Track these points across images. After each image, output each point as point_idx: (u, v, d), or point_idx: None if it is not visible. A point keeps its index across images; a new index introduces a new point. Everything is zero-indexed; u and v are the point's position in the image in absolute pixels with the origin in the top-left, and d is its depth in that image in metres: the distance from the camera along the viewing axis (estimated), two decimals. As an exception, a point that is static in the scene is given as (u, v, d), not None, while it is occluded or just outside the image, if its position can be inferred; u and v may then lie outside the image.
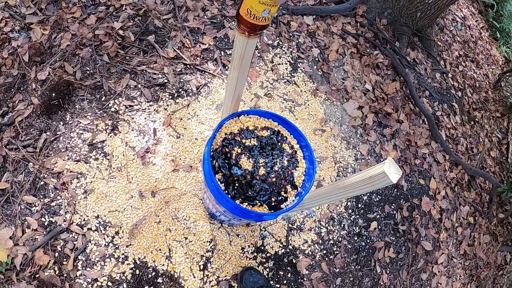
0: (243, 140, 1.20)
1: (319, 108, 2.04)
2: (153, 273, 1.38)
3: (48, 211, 1.39)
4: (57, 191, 1.41)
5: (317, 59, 2.20)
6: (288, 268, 1.57)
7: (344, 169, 1.95)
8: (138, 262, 1.38)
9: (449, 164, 2.34)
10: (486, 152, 2.70)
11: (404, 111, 2.31)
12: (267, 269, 1.52)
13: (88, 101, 1.60)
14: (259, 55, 2.05)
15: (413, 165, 2.18)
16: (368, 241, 1.83)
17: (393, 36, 2.57)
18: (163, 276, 1.38)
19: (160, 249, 1.40)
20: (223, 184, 1.11)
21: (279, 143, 1.23)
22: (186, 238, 1.45)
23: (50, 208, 1.39)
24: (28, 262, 1.31)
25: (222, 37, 2.01)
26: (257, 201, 1.12)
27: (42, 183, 1.41)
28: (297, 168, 1.20)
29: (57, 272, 1.30)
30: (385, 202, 1.97)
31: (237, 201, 1.09)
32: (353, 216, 1.84)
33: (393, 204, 1.99)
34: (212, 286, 1.41)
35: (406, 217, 2.01)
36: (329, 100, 2.11)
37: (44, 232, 1.35)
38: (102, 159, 1.50)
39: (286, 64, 2.09)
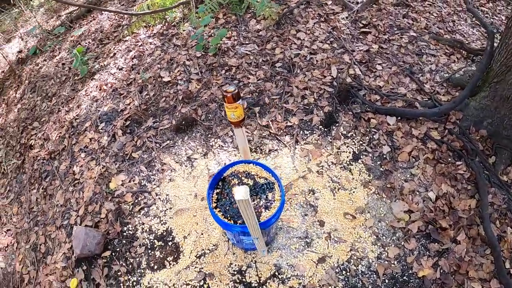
0: (243, 178, 1.92)
1: (362, 198, 2.35)
2: (170, 238, 2.28)
3: (147, 179, 2.60)
4: (158, 171, 2.62)
5: (384, 156, 2.53)
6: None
7: (358, 259, 2.12)
8: (168, 229, 2.32)
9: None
10: None
11: (468, 233, 2.18)
12: (237, 290, 2.04)
13: (200, 134, 2.79)
14: (330, 141, 2.63)
15: (453, 296, 2.02)
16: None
17: (490, 150, 2.46)
18: (173, 244, 2.25)
19: (184, 230, 2.28)
20: (215, 202, 1.85)
21: (268, 190, 1.86)
22: (202, 234, 2.24)
23: (150, 177, 2.61)
24: (119, 195, 2.54)
25: (307, 120, 2.76)
26: (236, 219, 1.78)
27: (153, 163, 2.67)
28: (269, 210, 1.78)
29: (128, 208, 2.46)
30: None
31: (221, 217, 1.78)
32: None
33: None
34: (194, 270, 2.12)
35: None
36: (378, 195, 2.37)
37: (139, 186, 2.56)
38: (188, 167, 2.58)
39: (350, 153, 2.56)
